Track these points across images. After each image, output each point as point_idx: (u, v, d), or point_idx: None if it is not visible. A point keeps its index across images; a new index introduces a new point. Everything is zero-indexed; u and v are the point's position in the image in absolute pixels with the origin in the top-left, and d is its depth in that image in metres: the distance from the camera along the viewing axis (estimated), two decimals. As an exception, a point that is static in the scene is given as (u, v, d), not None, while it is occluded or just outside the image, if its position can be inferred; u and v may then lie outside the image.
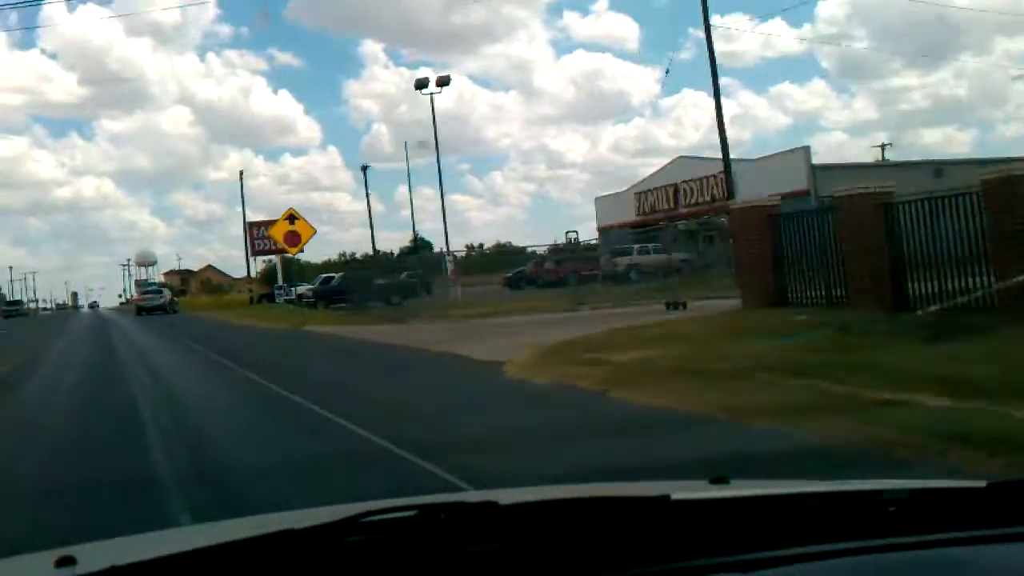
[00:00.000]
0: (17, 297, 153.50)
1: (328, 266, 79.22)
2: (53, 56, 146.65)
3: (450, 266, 32.78)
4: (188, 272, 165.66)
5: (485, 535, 1.18)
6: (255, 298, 60.00)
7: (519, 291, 38.74)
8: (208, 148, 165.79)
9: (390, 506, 1.24)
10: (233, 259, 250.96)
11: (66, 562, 1.13)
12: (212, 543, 1.13)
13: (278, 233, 37.35)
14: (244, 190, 62.68)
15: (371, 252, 72.95)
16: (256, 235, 62.53)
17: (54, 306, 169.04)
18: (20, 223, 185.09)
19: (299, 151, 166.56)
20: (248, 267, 64.40)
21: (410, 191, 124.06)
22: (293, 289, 56.91)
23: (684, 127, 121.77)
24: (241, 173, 72.36)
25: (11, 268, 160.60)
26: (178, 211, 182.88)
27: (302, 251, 39.09)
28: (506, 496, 1.34)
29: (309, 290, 42.63)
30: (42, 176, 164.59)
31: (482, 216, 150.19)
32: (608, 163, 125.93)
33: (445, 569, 1.14)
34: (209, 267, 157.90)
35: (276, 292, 57.47)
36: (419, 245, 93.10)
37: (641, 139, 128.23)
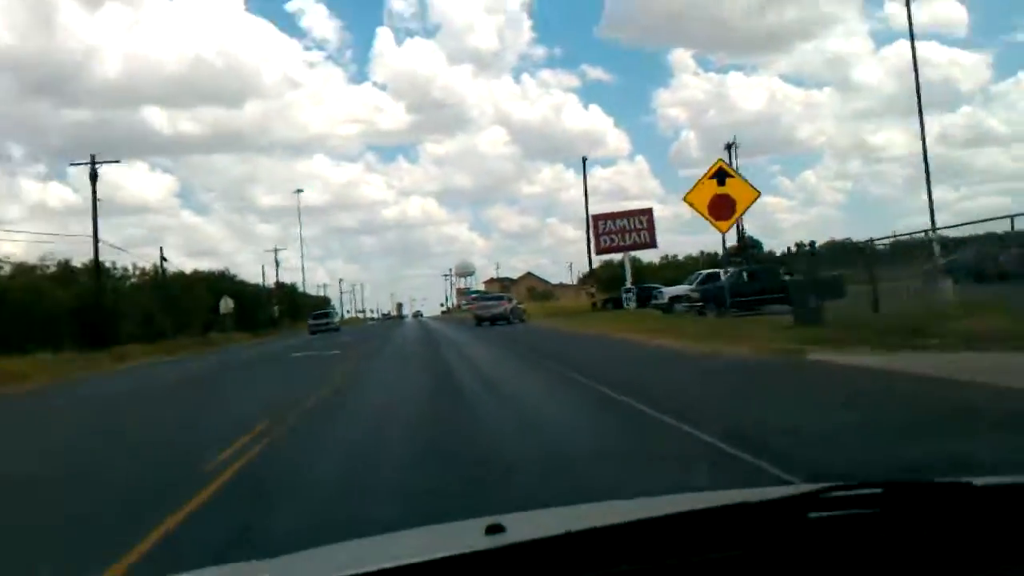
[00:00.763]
0: (347, 307, 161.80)
1: (667, 268, 69.06)
2: (383, 87, 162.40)
3: (937, 251, 20.55)
4: (508, 280, 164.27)
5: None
6: (598, 303, 50.54)
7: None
8: (522, 164, 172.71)
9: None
10: (547, 267, 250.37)
11: (495, 530, 1.16)
12: (650, 515, 1.12)
13: (700, 200, 24.10)
14: (586, 181, 52.16)
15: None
16: (602, 230, 52.90)
17: (380, 316, 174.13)
18: (354, 241, 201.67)
19: (608, 162, 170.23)
20: (590, 264, 55.04)
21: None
22: (630, 293, 47.27)
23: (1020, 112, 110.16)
24: (584, 160, 64.13)
25: (341, 280, 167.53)
26: (494, 225, 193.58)
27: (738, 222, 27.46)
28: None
29: (695, 290, 31.67)
30: (373, 198, 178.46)
31: (791, 218, 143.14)
32: (931, 155, 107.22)
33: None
34: (528, 274, 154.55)
35: (625, 296, 47.85)
36: (747, 244, 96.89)
37: (970, 128, 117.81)
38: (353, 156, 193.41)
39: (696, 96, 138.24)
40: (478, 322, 44.08)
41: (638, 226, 52.95)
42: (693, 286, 33.41)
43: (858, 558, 1.12)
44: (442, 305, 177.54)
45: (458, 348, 26.01)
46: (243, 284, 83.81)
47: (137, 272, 59.48)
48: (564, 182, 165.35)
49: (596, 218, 54.33)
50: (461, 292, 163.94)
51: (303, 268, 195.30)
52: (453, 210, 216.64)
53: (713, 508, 1.17)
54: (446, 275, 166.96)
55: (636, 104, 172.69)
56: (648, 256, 60.76)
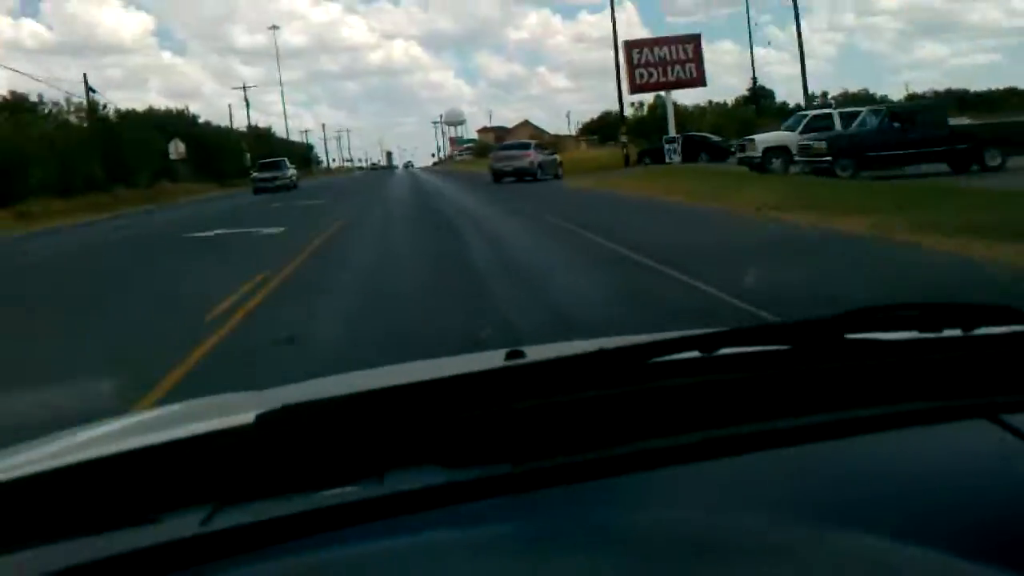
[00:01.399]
0: (333, 156, 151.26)
1: (703, 115, 58.96)
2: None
3: None
4: (502, 129, 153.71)
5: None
6: (631, 157, 40.96)
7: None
8: (508, 8, 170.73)
9: None
10: (541, 118, 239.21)
11: (516, 355, 1.19)
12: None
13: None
14: (614, 10, 41.05)
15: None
16: (637, 61, 41.43)
17: (368, 165, 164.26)
18: (338, 87, 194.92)
19: (596, 8, 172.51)
20: (621, 107, 44.79)
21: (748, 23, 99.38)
22: (674, 144, 37.83)
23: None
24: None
25: (324, 125, 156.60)
26: (481, 72, 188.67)
27: None
28: None
29: (818, 139, 21.78)
30: (356, 40, 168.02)
31: (782, 70, 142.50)
32: (926, 7, 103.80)
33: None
34: (526, 123, 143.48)
35: (667, 147, 38.37)
36: (759, 94, 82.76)
37: None
38: None
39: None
40: (496, 177, 32.89)
41: (682, 56, 41.44)
42: (803, 133, 23.60)
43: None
44: (433, 155, 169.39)
45: (477, 223, 16.76)
46: (206, 127, 73.60)
47: (72, 110, 49.50)
48: (552, 28, 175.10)
49: (630, 45, 41.96)
50: (454, 142, 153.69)
51: (284, 111, 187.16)
52: (438, 55, 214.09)
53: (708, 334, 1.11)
54: (436, 122, 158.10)
55: None
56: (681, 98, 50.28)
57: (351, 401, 1.01)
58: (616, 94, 42.70)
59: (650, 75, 41.28)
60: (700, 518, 0.85)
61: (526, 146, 36.55)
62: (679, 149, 38.20)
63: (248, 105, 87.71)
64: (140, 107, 68.24)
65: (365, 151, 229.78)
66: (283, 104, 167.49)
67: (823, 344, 1.13)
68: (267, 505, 0.87)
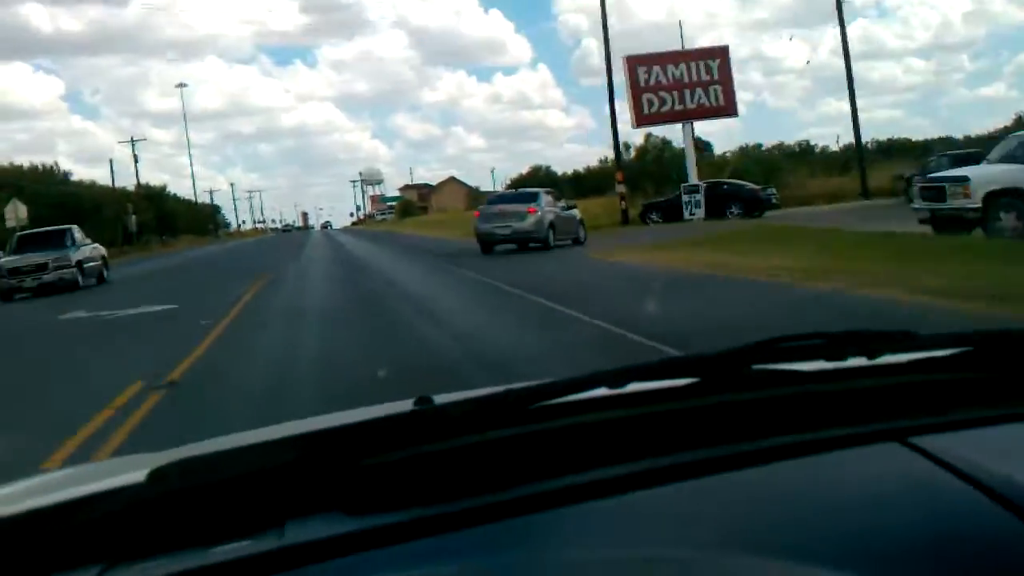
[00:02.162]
0: (244, 218, 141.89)
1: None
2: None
3: None
4: (426, 186, 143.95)
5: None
6: (629, 212, 30.73)
7: None
8: (423, 71, 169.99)
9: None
10: (466, 177, 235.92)
11: (424, 402, 1.18)
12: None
13: None
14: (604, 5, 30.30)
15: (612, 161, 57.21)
16: (644, 83, 30.79)
17: (280, 227, 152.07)
18: (252, 149, 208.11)
19: (509, 70, 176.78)
20: (616, 147, 33.89)
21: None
22: (694, 195, 28.13)
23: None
24: None
25: (232, 185, 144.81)
26: (398, 133, 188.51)
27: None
28: None
29: None
30: (271, 103, 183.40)
31: (706, 126, 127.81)
32: (828, 68, 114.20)
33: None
34: (452, 179, 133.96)
35: (686, 199, 28.42)
36: (698, 146, 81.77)
37: (863, 40, 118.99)
38: (247, 59, 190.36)
39: (595, 2, 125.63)
40: (485, 246, 21.56)
41: (705, 77, 31.19)
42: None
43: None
44: (352, 215, 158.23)
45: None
46: (79, 186, 61.54)
47: None
48: (466, 90, 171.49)
49: (634, 61, 31.07)
50: (375, 200, 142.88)
51: (192, 170, 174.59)
52: (355, 117, 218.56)
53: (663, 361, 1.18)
54: (354, 181, 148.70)
55: (537, 10, 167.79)
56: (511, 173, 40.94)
57: (248, 452, 0.99)
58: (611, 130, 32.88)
59: (662, 102, 30.87)
60: (614, 553, 0.85)
61: (531, 197, 22.21)
62: (702, 201, 28.27)
63: (136, 161, 75.38)
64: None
65: (279, 212, 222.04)
66: (190, 161, 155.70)
67: (730, 376, 1.13)
68: (159, 563, 0.85)
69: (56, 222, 52.13)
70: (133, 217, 61.78)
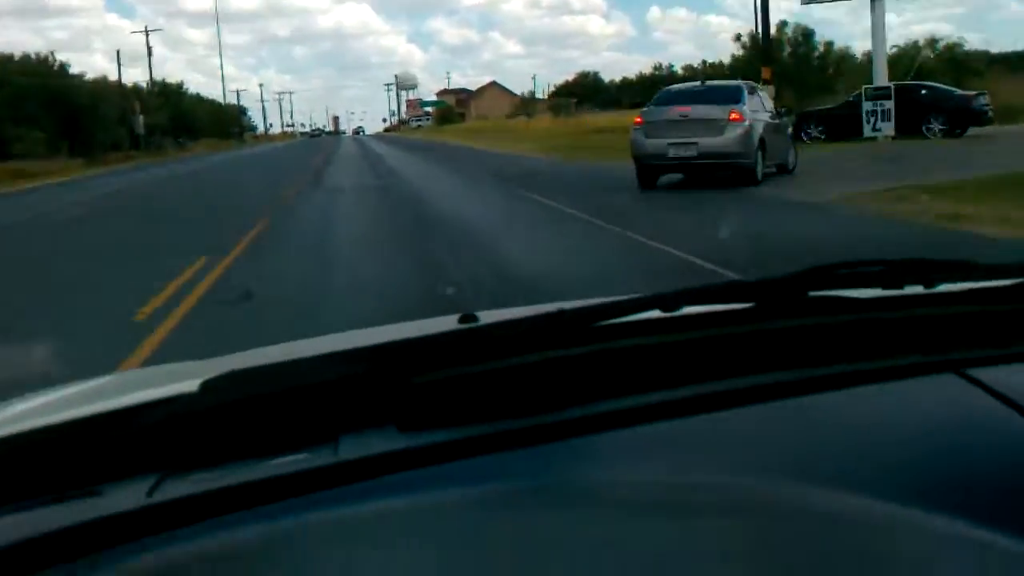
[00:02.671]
0: (273, 121, 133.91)
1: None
2: None
3: None
4: (465, 91, 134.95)
5: None
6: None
7: None
8: None
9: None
10: (506, 84, 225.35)
11: (469, 319, 1.17)
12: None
13: None
14: None
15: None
16: None
17: (310, 131, 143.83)
18: (286, 51, 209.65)
19: None
20: (766, 33, 25.49)
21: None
22: (881, 103, 20.11)
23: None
24: None
25: (261, 86, 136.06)
26: (433, 38, 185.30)
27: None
28: None
29: None
30: (306, 4, 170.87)
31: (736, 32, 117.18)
32: None
33: None
34: (493, 84, 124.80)
35: (869, 108, 20.31)
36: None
37: None
38: None
39: None
40: (647, 174, 13.02)
41: None
42: None
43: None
44: (385, 120, 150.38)
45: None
46: (75, 79, 53.61)
47: None
48: None
49: None
50: (412, 104, 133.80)
51: (221, 66, 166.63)
52: (391, 19, 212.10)
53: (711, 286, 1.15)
54: (388, 85, 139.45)
55: None
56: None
57: (300, 365, 0.97)
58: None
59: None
60: (667, 478, 0.85)
61: (732, 94, 13.31)
62: (892, 111, 20.10)
63: (150, 55, 67.39)
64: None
65: (310, 116, 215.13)
66: (220, 57, 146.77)
67: (787, 302, 1.11)
68: (215, 474, 0.85)
69: (41, 122, 44.97)
70: (140, 117, 54.15)
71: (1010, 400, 0.93)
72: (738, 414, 0.94)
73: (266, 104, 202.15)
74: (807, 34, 27.17)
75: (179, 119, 70.39)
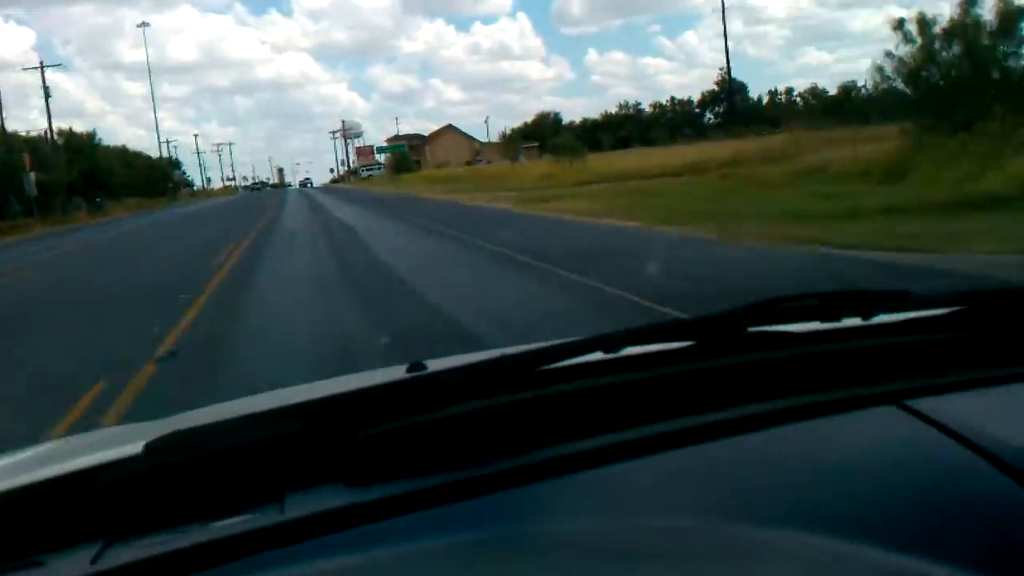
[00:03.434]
0: (212, 174, 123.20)
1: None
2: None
3: None
4: (418, 137, 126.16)
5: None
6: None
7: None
8: (400, 19, 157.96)
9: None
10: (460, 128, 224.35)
11: (416, 368, 1.16)
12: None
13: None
14: None
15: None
16: None
17: (250, 184, 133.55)
18: (227, 102, 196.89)
19: (490, 19, 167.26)
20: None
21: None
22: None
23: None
24: None
25: (196, 136, 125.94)
26: (375, 85, 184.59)
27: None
28: None
29: None
30: (246, 55, 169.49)
31: (671, 79, 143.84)
32: (812, 15, 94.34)
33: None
34: (450, 128, 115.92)
35: None
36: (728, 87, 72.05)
37: None
38: (221, 8, 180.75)
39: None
40: None
41: None
42: None
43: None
44: (332, 171, 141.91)
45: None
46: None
47: None
48: (445, 40, 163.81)
49: None
50: (363, 151, 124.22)
51: (156, 119, 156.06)
52: (331, 68, 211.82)
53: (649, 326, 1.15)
54: (333, 133, 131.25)
55: None
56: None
57: (244, 423, 0.96)
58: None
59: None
60: (612, 523, 0.84)
61: None
62: None
63: (47, 96, 56.88)
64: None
65: (252, 168, 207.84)
66: (154, 109, 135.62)
67: (726, 338, 1.10)
68: (161, 539, 0.83)
69: None
70: (32, 175, 43.83)
71: (950, 430, 0.93)
72: (682, 454, 0.93)
73: (203, 156, 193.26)
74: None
75: (93, 176, 60.12)
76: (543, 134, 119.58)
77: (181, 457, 0.89)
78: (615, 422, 0.97)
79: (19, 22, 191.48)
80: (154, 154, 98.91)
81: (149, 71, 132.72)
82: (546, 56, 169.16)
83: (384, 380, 1.03)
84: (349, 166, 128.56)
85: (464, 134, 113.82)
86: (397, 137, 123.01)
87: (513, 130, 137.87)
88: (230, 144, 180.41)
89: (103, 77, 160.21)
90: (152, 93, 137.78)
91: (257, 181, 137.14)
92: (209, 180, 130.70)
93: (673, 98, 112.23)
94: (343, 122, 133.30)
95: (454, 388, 0.98)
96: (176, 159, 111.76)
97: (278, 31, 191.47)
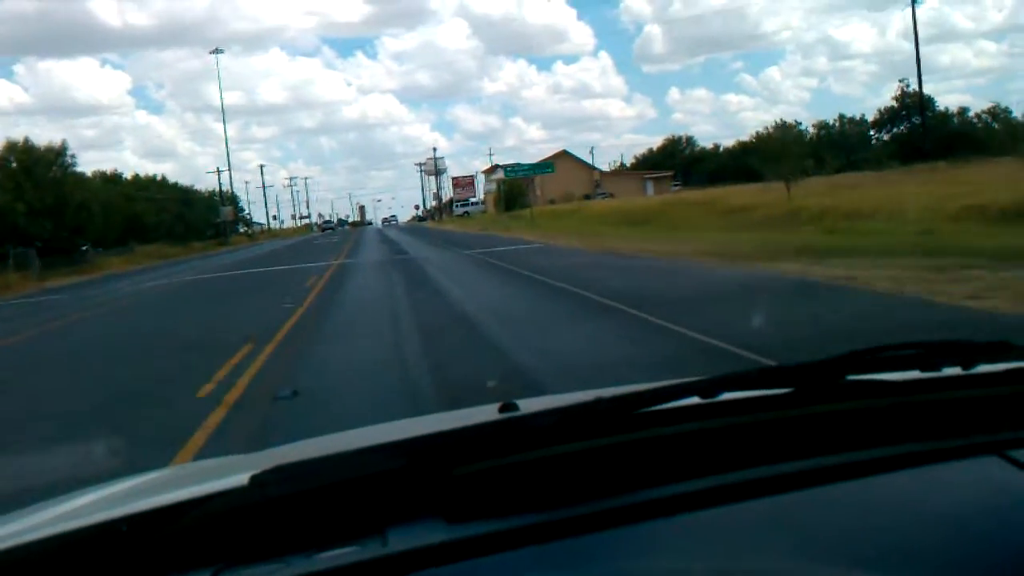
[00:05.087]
0: (279, 213, 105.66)
1: None
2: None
3: None
4: (518, 168, 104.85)
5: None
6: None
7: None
8: (484, 60, 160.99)
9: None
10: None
11: (509, 408, 1.16)
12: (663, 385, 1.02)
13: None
14: None
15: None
16: None
17: (322, 222, 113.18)
18: (313, 142, 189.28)
19: (571, 59, 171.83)
20: None
21: None
22: None
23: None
24: None
25: (263, 167, 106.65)
26: (456, 125, 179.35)
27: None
28: None
29: None
30: (332, 96, 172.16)
31: (755, 116, 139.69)
32: (897, 51, 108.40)
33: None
34: (564, 154, 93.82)
35: None
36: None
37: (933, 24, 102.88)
38: (310, 51, 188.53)
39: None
40: None
41: None
42: None
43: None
44: (417, 207, 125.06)
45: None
46: None
47: None
48: (526, 80, 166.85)
49: None
50: (461, 183, 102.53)
51: (228, 155, 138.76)
52: (414, 108, 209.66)
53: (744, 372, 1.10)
54: (420, 165, 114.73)
55: None
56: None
57: (346, 458, 0.99)
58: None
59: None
60: (710, 565, 0.85)
61: None
62: None
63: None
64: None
65: (331, 204, 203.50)
66: (225, 134, 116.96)
67: (825, 386, 1.09)
68: (268, 568, 0.86)
69: None
70: None
71: None
72: (782, 499, 0.93)
73: (274, 191, 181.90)
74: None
75: (59, 213, 39.14)
76: (672, 162, 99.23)
77: (286, 491, 0.90)
78: (713, 466, 0.96)
79: (115, 67, 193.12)
80: (191, 185, 79.27)
81: (222, 96, 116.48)
82: (627, 95, 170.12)
83: (479, 419, 1.04)
84: (440, 201, 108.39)
85: (582, 161, 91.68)
86: (494, 168, 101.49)
87: (637, 158, 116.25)
88: (306, 179, 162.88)
89: (193, 118, 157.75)
90: (223, 119, 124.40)
91: (331, 219, 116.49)
92: (276, 218, 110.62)
93: (842, 116, 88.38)
94: (432, 154, 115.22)
95: (552, 429, 0.98)
96: (233, 193, 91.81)
97: (363, 73, 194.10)
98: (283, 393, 6.26)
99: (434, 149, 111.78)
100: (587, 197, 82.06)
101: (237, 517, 0.91)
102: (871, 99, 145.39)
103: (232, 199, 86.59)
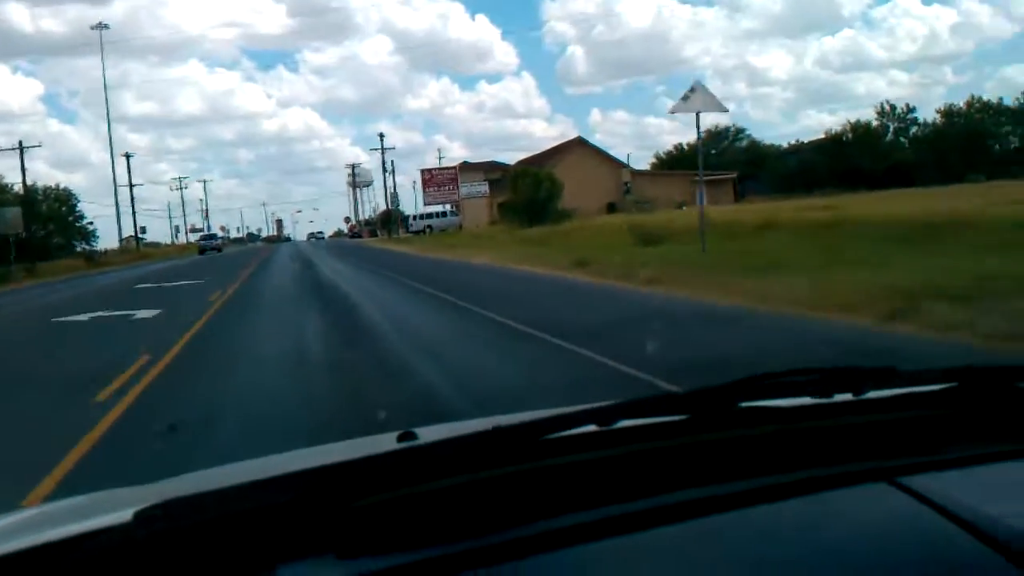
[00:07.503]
0: (191, 224, 74.03)
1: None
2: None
3: None
4: (494, 164, 75.16)
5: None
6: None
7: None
8: (407, 76, 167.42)
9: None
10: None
11: (407, 437, 1.15)
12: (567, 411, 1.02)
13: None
14: None
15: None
16: None
17: (201, 238, 79.74)
18: (230, 154, 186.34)
19: (494, 78, 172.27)
20: None
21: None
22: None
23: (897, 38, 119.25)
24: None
25: (128, 156, 74.18)
26: (378, 141, 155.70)
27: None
28: None
29: None
30: (251, 108, 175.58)
31: (672, 139, 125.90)
32: (813, 79, 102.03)
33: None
34: (579, 141, 64.36)
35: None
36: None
37: (849, 53, 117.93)
38: (229, 63, 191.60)
39: (586, 8, 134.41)
40: None
41: None
42: None
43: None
44: (347, 220, 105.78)
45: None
46: None
47: None
48: (450, 97, 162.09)
49: None
50: (438, 178, 68.66)
51: (112, 150, 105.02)
52: (335, 123, 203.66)
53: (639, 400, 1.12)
54: (349, 179, 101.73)
55: (525, 16, 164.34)
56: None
57: (236, 492, 0.94)
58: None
59: None
60: None
61: None
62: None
63: None
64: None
65: (240, 214, 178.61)
66: (109, 133, 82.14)
67: (718, 413, 1.09)
68: None
69: None
70: None
71: (941, 507, 0.92)
72: (675, 529, 0.93)
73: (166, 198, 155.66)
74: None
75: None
76: (719, 159, 71.59)
77: (171, 526, 0.86)
78: (608, 496, 0.96)
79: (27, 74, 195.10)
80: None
81: (104, 82, 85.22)
82: (550, 115, 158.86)
83: (376, 450, 1.02)
84: (373, 214, 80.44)
85: (605, 153, 61.96)
86: (467, 165, 71.53)
87: (665, 154, 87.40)
88: (204, 182, 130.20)
89: (106, 128, 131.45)
90: (108, 115, 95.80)
91: (216, 234, 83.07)
92: (144, 230, 77.98)
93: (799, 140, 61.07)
94: (352, 167, 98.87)
95: (447, 459, 0.96)
96: (70, 191, 59.44)
97: (284, 87, 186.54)
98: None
99: (351, 168, 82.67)
100: (611, 207, 53.05)
101: (119, 555, 0.85)
102: (785, 124, 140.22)
103: (29, 199, 53.23)
